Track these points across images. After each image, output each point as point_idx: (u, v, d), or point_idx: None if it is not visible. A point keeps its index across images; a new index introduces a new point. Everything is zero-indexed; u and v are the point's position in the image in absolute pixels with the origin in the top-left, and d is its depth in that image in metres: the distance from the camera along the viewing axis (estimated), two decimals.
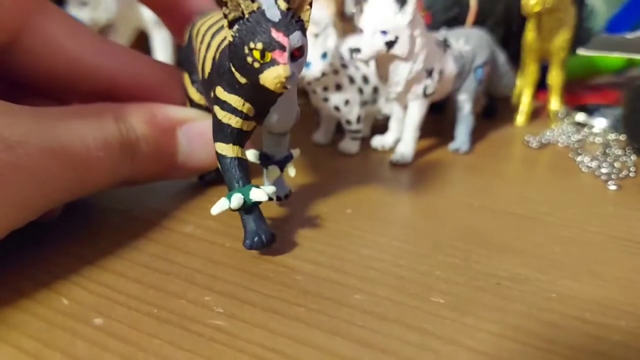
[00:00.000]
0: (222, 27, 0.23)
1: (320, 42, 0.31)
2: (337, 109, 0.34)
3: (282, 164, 0.24)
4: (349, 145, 0.35)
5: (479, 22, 0.43)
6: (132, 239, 0.23)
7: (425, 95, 0.32)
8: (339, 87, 0.33)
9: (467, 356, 0.16)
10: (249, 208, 0.21)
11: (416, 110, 0.33)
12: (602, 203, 0.27)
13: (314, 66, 0.31)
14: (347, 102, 0.34)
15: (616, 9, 0.57)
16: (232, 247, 0.22)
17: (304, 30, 0.19)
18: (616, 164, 0.32)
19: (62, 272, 0.20)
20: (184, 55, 0.27)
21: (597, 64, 0.51)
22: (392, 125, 0.36)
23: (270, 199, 0.21)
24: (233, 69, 0.20)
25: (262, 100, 0.21)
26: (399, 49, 0.30)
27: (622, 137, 0.37)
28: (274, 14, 0.18)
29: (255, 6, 0.18)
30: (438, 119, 0.43)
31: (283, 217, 0.25)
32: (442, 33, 0.36)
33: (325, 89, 0.33)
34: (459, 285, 0.20)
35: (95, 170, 0.21)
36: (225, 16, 0.18)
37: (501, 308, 0.18)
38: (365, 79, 0.35)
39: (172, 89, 0.28)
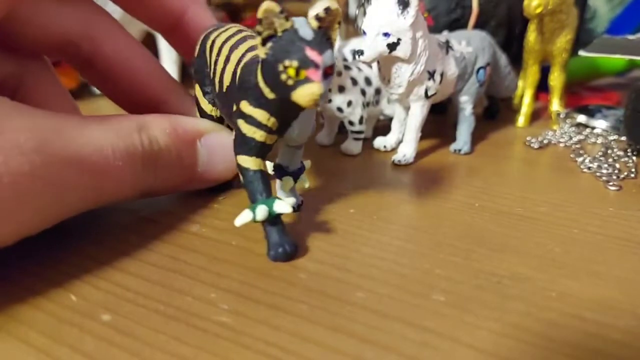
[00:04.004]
0: (240, 40, 0.24)
1: None
2: (340, 110, 0.34)
3: (295, 175, 0.25)
4: (352, 145, 0.35)
5: (480, 24, 0.44)
6: (139, 238, 0.23)
7: (427, 96, 0.32)
8: (341, 89, 0.34)
9: (466, 353, 0.16)
10: (273, 220, 0.21)
11: (418, 111, 0.33)
12: (602, 204, 0.28)
13: None
14: (349, 104, 0.34)
15: (618, 10, 0.57)
16: (238, 246, 0.23)
17: (332, 49, 0.20)
18: (617, 165, 0.33)
19: (70, 269, 0.21)
20: (198, 67, 0.27)
21: (598, 65, 0.51)
22: (394, 126, 0.36)
23: (294, 210, 0.22)
24: (261, 85, 0.20)
25: (286, 114, 0.21)
26: (401, 51, 0.30)
27: (623, 138, 0.37)
28: (306, 33, 0.19)
29: (288, 25, 0.19)
30: (439, 120, 0.43)
31: (287, 217, 0.25)
32: (444, 35, 0.36)
33: (329, 90, 0.33)
34: (459, 284, 0.20)
35: (115, 181, 0.21)
36: (259, 33, 0.19)
37: (501, 306, 0.19)
38: (368, 81, 0.35)
39: (155, 73, 0.29)
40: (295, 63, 0.18)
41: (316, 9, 0.19)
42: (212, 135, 0.25)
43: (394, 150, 0.35)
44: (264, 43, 0.19)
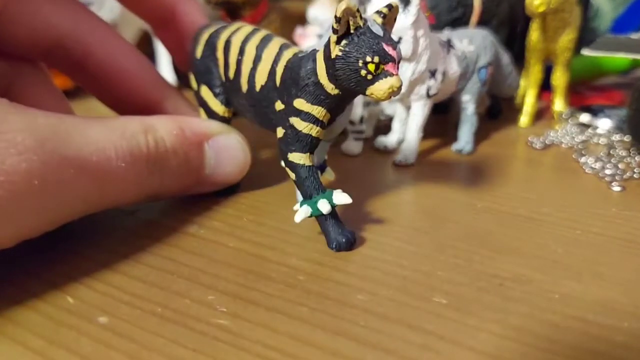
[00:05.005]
0: (266, 39, 0.24)
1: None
2: None
3: (321, 169, 0.25)
4: (352, 145, 0.35)
5: (483, 22, 0.43)
6: (136, 239, 0.23)
7: (428, 95, 0.32)
8: None
9: (468, 356, 0.16)
10: (332, 212, 0.22)
11: (419, 110, 0.33)
12: (605, 204, 0.27)
13: None
14: None
15: (622, 9, 0.57)
16: (236, 247, 0.22)
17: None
18: (620, 165, 0.32)
19: (67, 270, 0.21)
20: (204, 68, 0.26)
21: (602, 64, 0.50)
22: (395, 125, 0.36)
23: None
24: (323, 81, 0.21)
25: (337, 109, 0.22)
26: (402, 50, 0.30)
27: (627, 138, 0.37)
28: (378, 29, 0.20)
29: (361, 22, 0.19)
30: (441, 119, 0.43)
31: (286, 218, 0.25)
32: (446, 33, 0.36)
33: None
34: (461, 286, 0.20)
35: (118, 183, 0.21)
36: (336, 32, 0.19)
37: (503, 309, 0.18)
38: None
39: (144, 75, 0.28)
40: (376, 59, 0.19)
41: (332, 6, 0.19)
42: (220, 137, 0.25)
43: (395, 150, 0.35)
44: (339, 41, 0.20)
